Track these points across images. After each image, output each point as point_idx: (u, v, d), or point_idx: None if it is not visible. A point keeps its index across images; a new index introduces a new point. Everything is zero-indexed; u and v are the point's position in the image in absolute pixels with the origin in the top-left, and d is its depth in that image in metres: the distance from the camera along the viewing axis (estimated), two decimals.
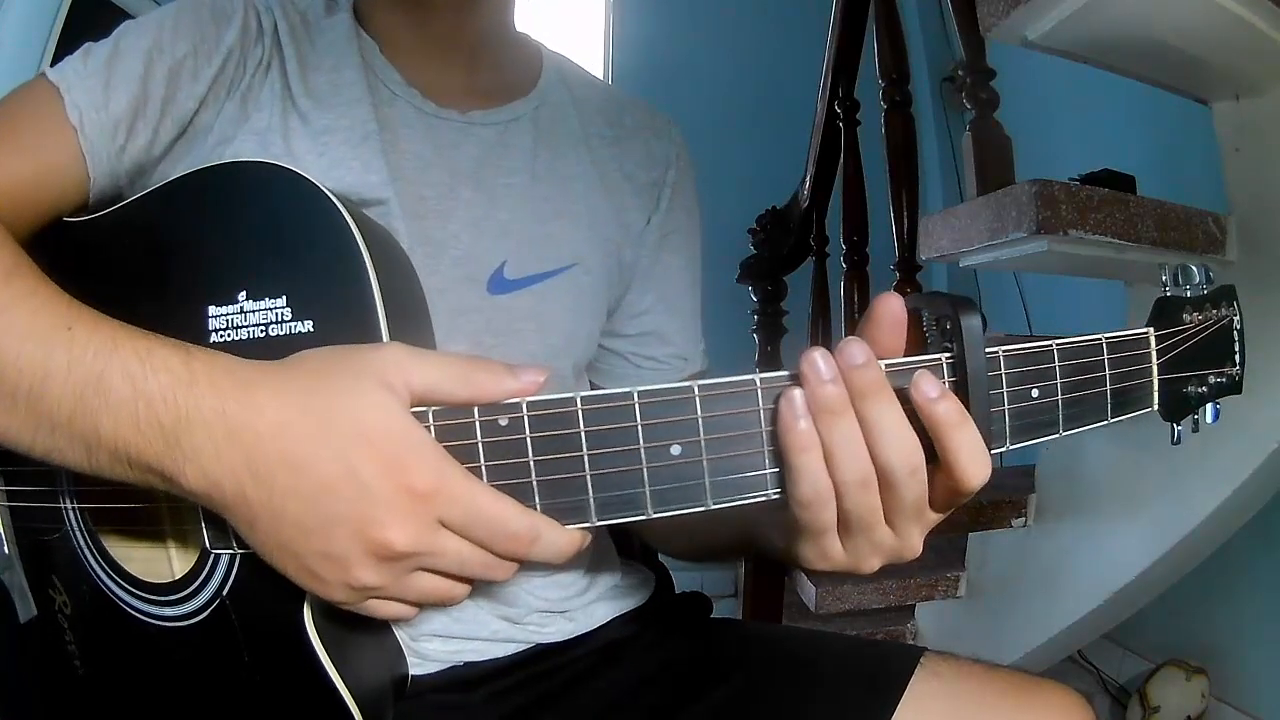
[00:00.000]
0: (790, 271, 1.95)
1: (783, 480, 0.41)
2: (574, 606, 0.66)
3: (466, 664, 0.61)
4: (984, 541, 1.51)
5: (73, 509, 0.52)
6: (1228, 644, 1.60)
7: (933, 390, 0.39)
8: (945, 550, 1.58)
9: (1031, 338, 0.44)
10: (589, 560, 0.68)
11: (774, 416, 0.40)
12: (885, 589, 1.49)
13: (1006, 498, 1.43)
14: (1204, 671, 1.59)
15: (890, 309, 0.41)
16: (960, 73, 1.32)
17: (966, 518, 1.41)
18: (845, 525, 0.41)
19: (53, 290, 0.43)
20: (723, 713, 0.59)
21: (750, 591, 1.66)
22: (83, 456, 0.41)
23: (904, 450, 0.39)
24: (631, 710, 0.61)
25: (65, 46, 1.57)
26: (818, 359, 0.39)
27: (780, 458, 0.40)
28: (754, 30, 2.89)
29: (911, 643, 1.60)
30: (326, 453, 0.38)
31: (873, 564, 0.43)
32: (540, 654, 0.64)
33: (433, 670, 0.60)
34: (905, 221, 1.51)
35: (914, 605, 1.58)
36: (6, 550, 0.54)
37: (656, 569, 0.77)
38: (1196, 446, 1.26)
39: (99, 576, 0.51)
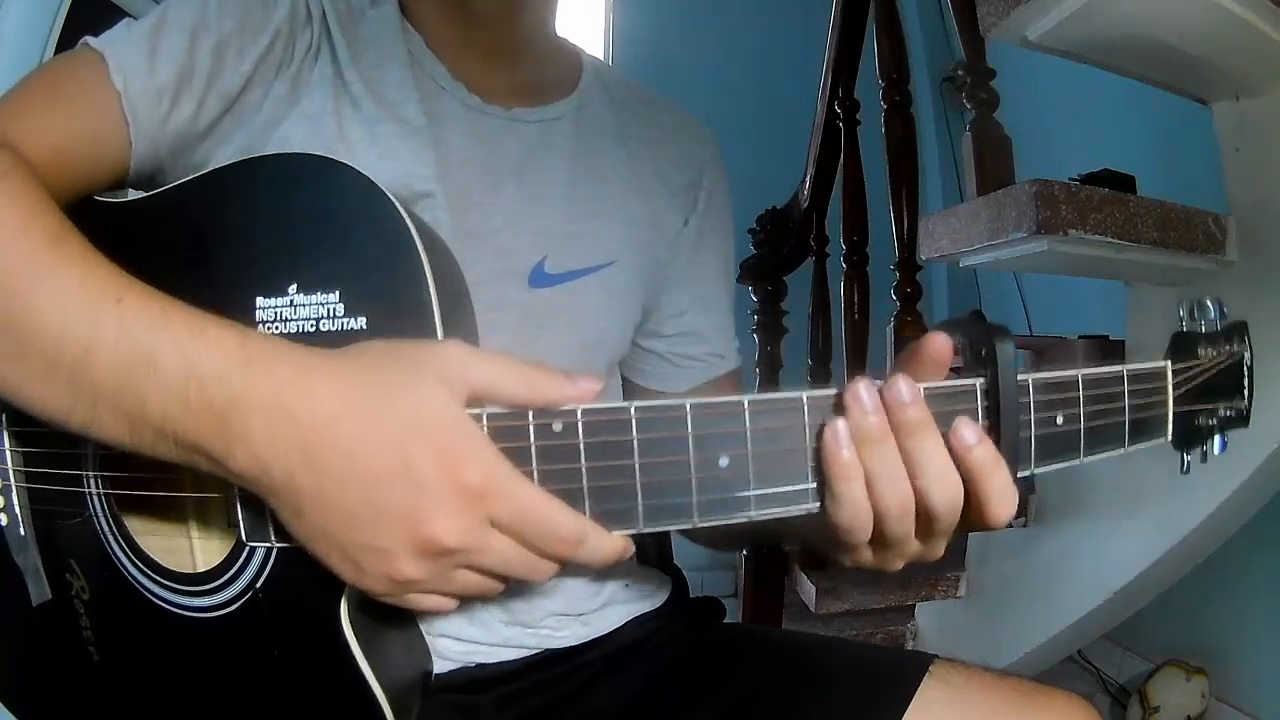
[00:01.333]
0: (790, 271, 1.95)
1: (823, 498, 0.41)
2: (588, 610, 0.66)
3: (478, 665, 0.61)
4: (984, 541, 1.51)
5: (98, 494, 0.51)
6: (1228, 644, 1.60)
7: (971, 437, 0.40)
8: (945, 550, 1.58)
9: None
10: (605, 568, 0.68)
11: (818, 438, 0.41)
12: (885, 589, 1.49)
13: None
14: (1204, 671, 1.59)
15: (937, 351, 0.42)
16: (960, 73, 1.32)
17: None
18: (880, 543, 0.43)
19: (101, 258, 0.42)
20: (732, 717, 0.59)
21: (750, 592, 1.66)
22: (124, 431, 0.40)
23: (947, 489, 0.41)
24: (643, 713, 0.61)
25: (65, 46, 1.57)
26: (861, 391, 0.40)
27: (823, 482, 0.41)
28: (754, 30, 2.89)
29: (912, 643, 1.60)
30: (382, 443, 0.38)
31: (898, 566, 0.46)
32: (553, 658, 0.64)
33: (445, 669, 0.60)
34: (905, 221, 1.51)
35: (914, 605, 1.58)
36: (22, 532, 0.54)
37: (672, 573, 0.76)
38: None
39: (122, 563, 0.51)
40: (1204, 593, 1.56)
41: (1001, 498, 0.41)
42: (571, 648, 0.64)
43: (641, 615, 0.69)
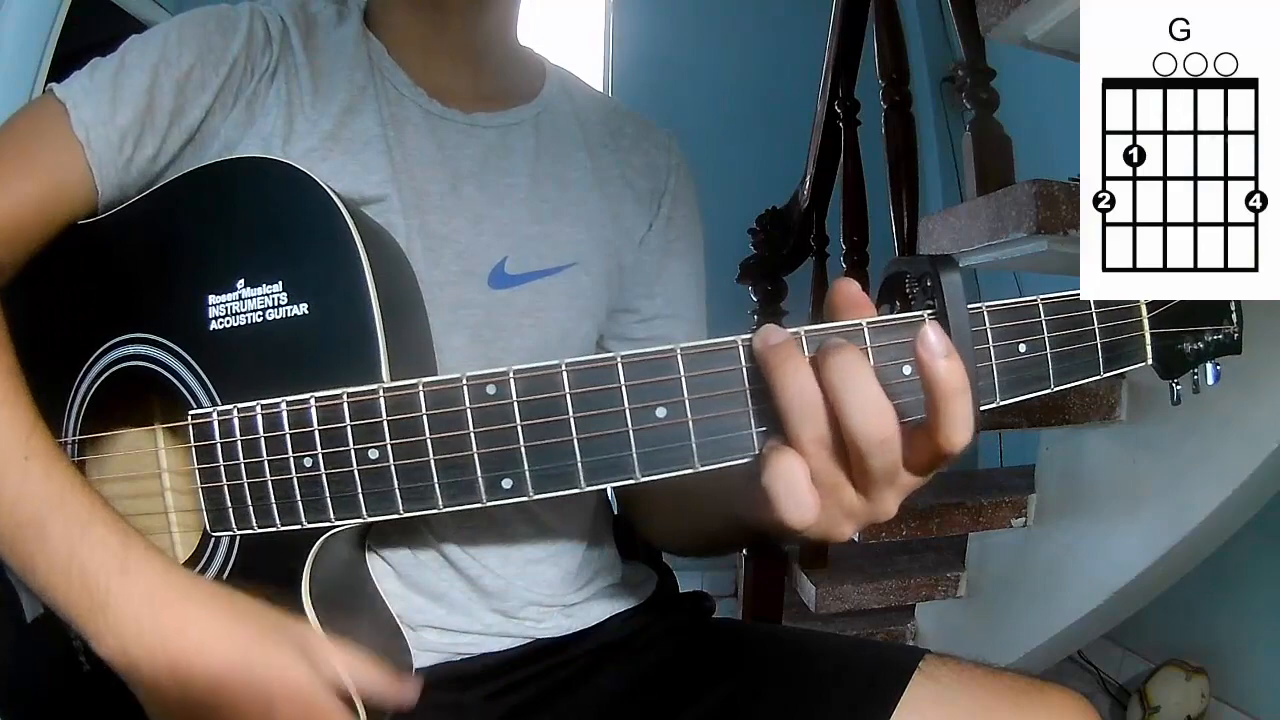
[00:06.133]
0: (790, 271, 1.95)
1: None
2: (571, 602, 0.66)
3: (463, 658, 0.62)
4: (984, 541, 1.50)
5: None
6: (1228, 644, 1.60)
7: (941, 346, 0.36)
8: (945, 550, 1.58)
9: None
10: (584, 557, 0.68)
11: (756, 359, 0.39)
12: (885, 589, 1.48)
13: (1006, 498, 1.43)
14: (1204, 671, 1.59)
15: (849, 296, 0.41)
16: (960, 73, 1.32)
17: (967, 518, 1.41)
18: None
19: (20, 401, 0.46)
20: (720, 713, 0.59)
21: (750, 592, 1.66)
22: (17, 569, 0.44)
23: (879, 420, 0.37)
24: (630, 710, 0.61)
25: (65, 46, 1.57)
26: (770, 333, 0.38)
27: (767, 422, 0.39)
28: (754, 30, 2.89)
29: (912, 643, 1.60)
30: (248, 683, 0.41)
31: (845, 530, 0.41)
32: (538, 651, 0.64)
33: (430, 663, 0.60)
34: (905, 221, 1.51)
35: (914, 605, 1.58)
36: None
37: (660, 569, 0.77)
38: (1196, 446, 1.25)
39: None
40: (1204, 593, 1.56)
41: (965, 420, 0.37)
42: (557, 639, 0.65)
43: (628, 610, 0.69)
